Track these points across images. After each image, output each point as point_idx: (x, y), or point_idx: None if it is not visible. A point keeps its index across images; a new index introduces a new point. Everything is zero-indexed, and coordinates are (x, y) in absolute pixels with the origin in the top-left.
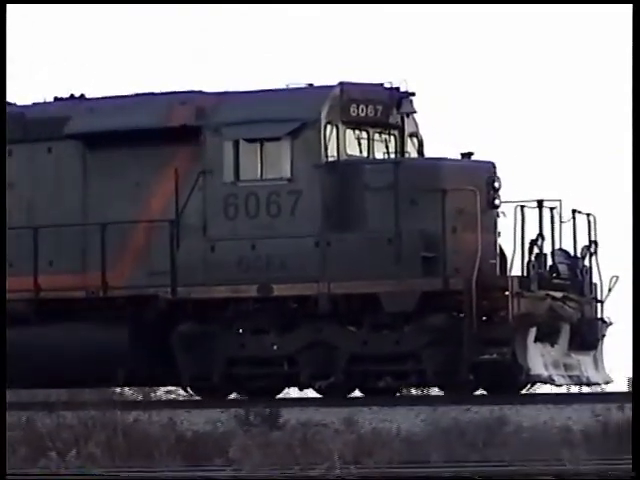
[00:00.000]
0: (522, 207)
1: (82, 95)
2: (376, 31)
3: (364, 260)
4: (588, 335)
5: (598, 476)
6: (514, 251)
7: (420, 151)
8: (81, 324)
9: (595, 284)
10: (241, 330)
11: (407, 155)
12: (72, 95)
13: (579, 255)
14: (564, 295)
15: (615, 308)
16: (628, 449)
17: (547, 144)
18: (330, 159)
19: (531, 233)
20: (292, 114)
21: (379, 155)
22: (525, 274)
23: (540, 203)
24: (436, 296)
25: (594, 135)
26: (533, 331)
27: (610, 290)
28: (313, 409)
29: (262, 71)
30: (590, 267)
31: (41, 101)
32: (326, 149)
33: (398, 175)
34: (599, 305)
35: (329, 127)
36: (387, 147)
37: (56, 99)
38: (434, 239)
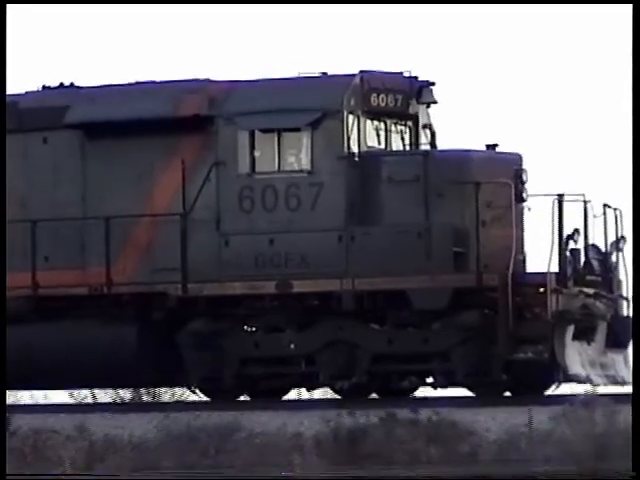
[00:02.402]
0: (560, 201)
1: (72, 84)
2: (384, 23)
3: (391, 255)
4: (622, 333)
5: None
6: (552, 246)
7: (433, 143)
8: (82, 322)
9: (620, 281)
10: (256, 328)
11: (423, 146)
12: (62, 84)
13: (608, 251)
14: (595, 292)
15: None
16: (359, 454)
17: (563, 137)
18: (352, 150)
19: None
20: (312, 103)
21: (396, 146)
22: (560, 270)
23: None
24: (467, 293)
25: (608, 130)
26: (571, 329)
27: None
28: (44, 415)
29: (255, 63)
30: (617, 263)
31: (35, 90)
32: (348, 140)
33: (427, 167)
34: (625, 302)
35: (351, 117)
36: (403, 138)
37: (45, 88)
38: (464, 233)
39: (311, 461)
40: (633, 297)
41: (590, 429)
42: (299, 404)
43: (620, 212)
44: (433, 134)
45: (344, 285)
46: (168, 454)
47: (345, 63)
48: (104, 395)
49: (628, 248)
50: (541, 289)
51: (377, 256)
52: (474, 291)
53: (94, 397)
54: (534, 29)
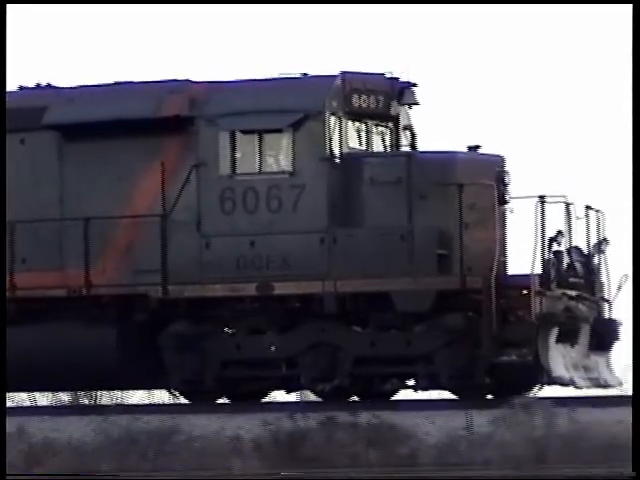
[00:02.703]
0: (542, 203)
1: (49, 84)
2: (366, 23)
3: (374, 257)
4: (606, 336)
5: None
6: (535, 248)
7: (413, 144)
8: (61, 325)
9: (603, 283)
10: (237, 331)
11: (404, 148)
12: (39, 84)
13: (590, 253)
14: (578, 294)
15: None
16: (299, 457)
17: (545, 139)
18: (334, 152)
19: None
20: (293, 105)
21: (377, 148)
22: (544, 272)
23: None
24: (451, 295)
25: (590, 132)
26: (555, 331)
27: (619, 289)
28: None
29: (236, 63)
30: (599, 265)
31: (11, 90)
32: (330, 141)
33: (410, 169)
34: (607, 305)
35: (332, 118)
36: (383, 140)
37: (21, 88)
38: (447, 236)
39: (251, 464)
40: (633, 298)
41: (530, 432)
42: (239, 407)
43: (602, 214)
44: (414, 135)
45: (326, 287)
46: (107, 457)
47: (326, 64)
48: (43, 398)
49: (627, 250)
50: (525, 291)
51: (359, 258)
52: (458, 293)
53: (33, 400)
54: (518, 29)
